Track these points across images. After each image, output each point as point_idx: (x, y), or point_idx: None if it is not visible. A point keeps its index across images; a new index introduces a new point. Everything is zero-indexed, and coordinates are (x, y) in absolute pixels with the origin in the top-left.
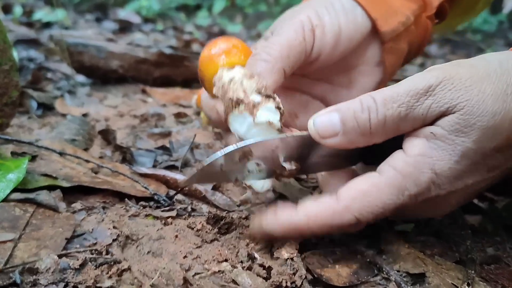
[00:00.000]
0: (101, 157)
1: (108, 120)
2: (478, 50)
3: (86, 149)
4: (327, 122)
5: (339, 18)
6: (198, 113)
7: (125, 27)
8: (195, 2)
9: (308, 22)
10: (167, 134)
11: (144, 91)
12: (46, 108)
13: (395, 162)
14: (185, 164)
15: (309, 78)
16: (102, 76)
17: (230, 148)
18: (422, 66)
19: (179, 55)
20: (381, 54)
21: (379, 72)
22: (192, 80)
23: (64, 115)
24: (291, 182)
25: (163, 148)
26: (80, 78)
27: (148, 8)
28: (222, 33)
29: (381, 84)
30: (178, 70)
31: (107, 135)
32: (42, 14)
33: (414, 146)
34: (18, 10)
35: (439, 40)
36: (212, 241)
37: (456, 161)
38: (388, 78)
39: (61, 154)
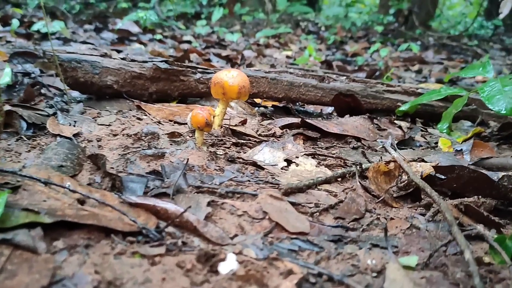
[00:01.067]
0: (89, 184)
1: (100, 140)
2: (474, 55)
3: (74, 176)
4: None
5: None
6: (193, 132)
7: (124, 37)
8: (194, 11)
9: None
10: (160, 156)
11: (139, 107)
12: (37, 127)
13: None
14: (177, 191)
15: None
16: (97, 91)
17: None
18: (420, 73)
19: (175, 70)
20: None
21: None
22: (187, 94)
23: (55, 136)
24: (287, 209)
25: (155, 172)
26: (74, 93)
27: (146, 18)
28: (220, 41)
29: None
30: (173, 85)
31: (96, 160)
32: (40, 25)
33: None
34: (15, 22)
35: (435, 46)
36: (202, 283)
37: None
38: None
39: (46, 183)
